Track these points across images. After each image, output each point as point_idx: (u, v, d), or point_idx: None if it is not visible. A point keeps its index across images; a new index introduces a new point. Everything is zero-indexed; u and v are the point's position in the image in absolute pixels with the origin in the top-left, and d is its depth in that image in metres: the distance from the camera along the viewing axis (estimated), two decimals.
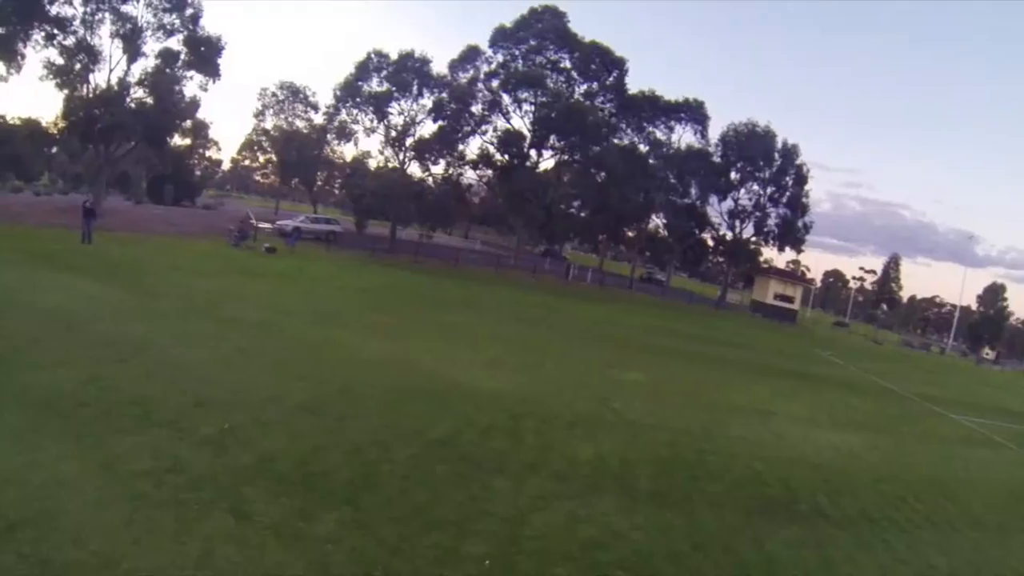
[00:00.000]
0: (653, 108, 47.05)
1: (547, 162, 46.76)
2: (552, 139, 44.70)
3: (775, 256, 57.96)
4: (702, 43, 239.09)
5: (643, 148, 48.11)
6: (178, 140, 55.54)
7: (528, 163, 44.33)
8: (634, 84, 49.52)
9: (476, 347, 14.35)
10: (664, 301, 44.54)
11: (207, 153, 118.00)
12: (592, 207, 47.17)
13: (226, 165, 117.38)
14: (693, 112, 47.96)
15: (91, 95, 37.27)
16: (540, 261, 52.29)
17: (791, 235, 51.17)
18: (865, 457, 11.05)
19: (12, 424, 6.48)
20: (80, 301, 12.97)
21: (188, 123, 43.67)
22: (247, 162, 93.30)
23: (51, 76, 36.50)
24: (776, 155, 50.54)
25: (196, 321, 12.65)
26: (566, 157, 46.21)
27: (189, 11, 39.13)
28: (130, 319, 11.94)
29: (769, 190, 51.40)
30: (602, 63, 44.88)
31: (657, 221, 52.92)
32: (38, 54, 36.74)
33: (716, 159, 50.22)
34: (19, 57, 35.73)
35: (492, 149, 44.38)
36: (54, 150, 69.01)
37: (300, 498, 5.71)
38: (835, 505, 8.13)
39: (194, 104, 41.55)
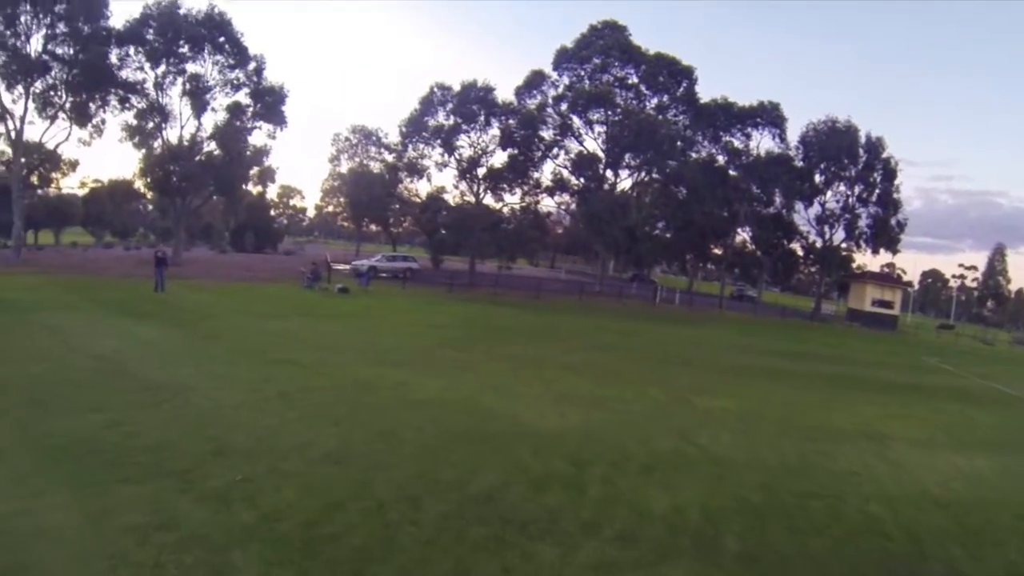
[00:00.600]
0: (727, 116, 45.87)
1: (624, 182, 46.65)
2: (627, 158, 44.44)
3: (869, 260, 54.63)
4: (768, 41, 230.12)
5: (721, 159, 47.11)
6: (254, 189, 58.38)
7: (605, 185, 44.20)
8: (705, 92, 48.39)
9: (546, 380, 13.29)
10: (756, 318, 42.04)
11: (291, 201, 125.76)
12: (675, 225, 46.35)
13: (311, 212, 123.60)
14: (769, 115, 46.18)
15: (164, 151, 40.24)
16: (627, 287, 51.53)
17: (885, 235, 48.01)
18: (999, 485, 9.05)
19: (20, 468, 6.41)
20: (134, 346, 13.22)
21: (256, 171, 45.79)
22: (330, 208, 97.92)
23: (128, 137, 39.88)
24: (861, 151, 47.50)
25: (245, 364, 12.35)
26: (643, 176, 45.77)
27: (252, 65, 41.91)
28: (178, 363, 11.89)
29: (857, 189, 48.35)
30: (670, 74, 44.57)
31: (743, 235, 50.97)
32: (115, 118, 40.38)
33: (798, 163, 47.90)
34: (100, 122, 39.45)
35: (566, 173, 44.70)
36: (149, 207, 74.54)
37: (295, 568, 4.83)
38: (975, 559, 6.38)
39: (261, 152, 44.06)
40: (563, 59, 44.79)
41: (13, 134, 37.45)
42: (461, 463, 7.56)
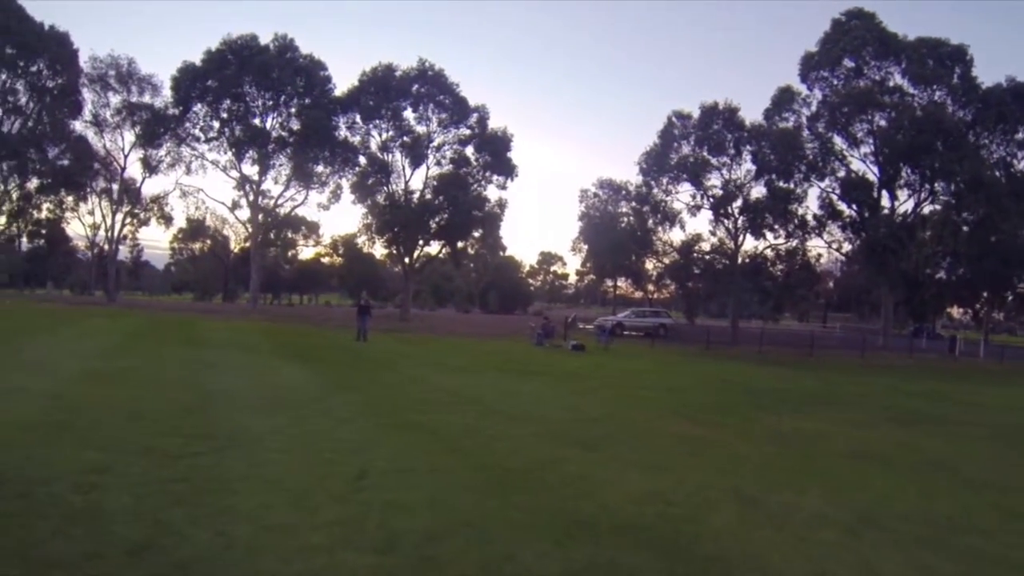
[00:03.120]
0: (1021, 103, 37.80)
1: (904, 205, 41.13)
2: (905, 173, 39.42)
3: None
4: None
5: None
6: (501, 251, 59.37)
7: (881, 212, 39.46)
8: (986, 76, 42.55)
9: (832, 480, 7.53)
10: None
11: (552, 267, 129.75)
12: (968, 254, 39.69)
13: (573, 278, 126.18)
14: None
15: (387, 204, 43.08)
16: (916, 341, 45.62)
17: None
18: None
19: None
20: (251, 386, 11.73)
21: (479, 225, 46.19)
22: (590, 275, 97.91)
23: (355, 198, 43.80)
24: None
25: (358, 423, 8.97)
26: (925, 196, 40.26)
27: (475, 116, 43.76)
28: (273, 411, 9.29)
29: None
30: (937, 61, 39.12)
31: None
32: (341, 179, 45.36)
33: None
34: (336, 188, 45.27)
35: (835, 199, 40.38)
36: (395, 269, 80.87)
37: None
38: None
39: (486, 202, 44.75)
40: (810, 66, 40.49)
41: (251, 197, 42.99)
42: None
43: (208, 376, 12.49)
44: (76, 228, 79.82)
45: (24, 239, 65.56)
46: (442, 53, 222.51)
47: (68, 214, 51.96)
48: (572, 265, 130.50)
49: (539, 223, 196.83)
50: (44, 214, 53.03)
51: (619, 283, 73.80)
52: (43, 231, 64.94)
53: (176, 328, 24.86)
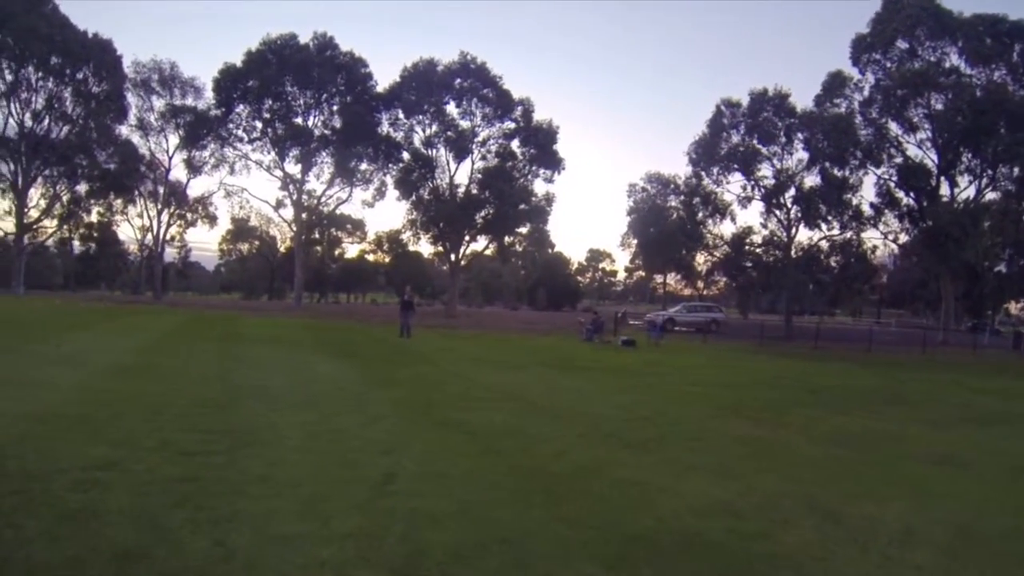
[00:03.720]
0: None
1: (964, 192, 39.12)
2: (965, 158, 37.62)
3: None
4: None
5: None
6: (549, 248, 58.81)
7: (940, 200, 37.83)
8: None
9: (913, 485, 6.66)
10: None
11: (601, 264, 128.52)
12: None
13: (622, 275, 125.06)
14: None
15: (431, 198, 43.03)
16: (978, 337, 41.72)
17: None
18: None
19: None
20: (291, 382, 11.36)
21: (526, 220, 45.68)
22: (639, 271, 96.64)
23: (399, 194, 43.80)
24: None
25: (392, 420, 8.45)
26: (987, 183, 38.43)
27: (519, 109, 43.47)
28: (312, 404, 9.07)
29: None
30: (995, 38, 37.24)
31: None
32: (385, 176, 45.55)
33: None
34: (381, 185, 45.58)
35: (892, 186, 38.79)
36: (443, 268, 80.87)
37: None
38: None
39: (532, 196, 44.36)
40: (861, 49, 38.77)
41: (295, 195, 43.28)
42: None
43: (241, 371, 12.19)
44: (126, 231, 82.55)
45: (76, 242, 67.74)
46: (480, 46, 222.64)
47: (118, 217, 53.48)
48: (621, 262, 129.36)
49: (587, 220, 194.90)
50: (94, 217, 54.54)
51: (668, 279, 72.48)
52: (95, 234, 66.93)
53: (217, 324, 24.94)
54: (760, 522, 5.20)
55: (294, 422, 7.78)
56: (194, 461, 5.79)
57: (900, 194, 38.55)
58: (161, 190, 48.07)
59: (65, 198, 46.07)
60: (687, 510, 5.37)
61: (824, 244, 38.32)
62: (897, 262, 63.09)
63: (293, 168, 44.84)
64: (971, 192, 38.80)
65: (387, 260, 75.69)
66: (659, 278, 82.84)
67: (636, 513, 5.22)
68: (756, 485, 6.29)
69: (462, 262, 46.51)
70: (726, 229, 41.19)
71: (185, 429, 7.02)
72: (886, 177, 38.32)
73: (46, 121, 42.33)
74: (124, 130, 46.61)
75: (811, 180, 37.83)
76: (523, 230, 46.52)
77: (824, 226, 37.87)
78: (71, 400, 8.34)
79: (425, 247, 50.69)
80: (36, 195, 44.10)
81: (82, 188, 46.48)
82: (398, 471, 5.86)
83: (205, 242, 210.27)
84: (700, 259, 46.72)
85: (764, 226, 39.44)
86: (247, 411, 8.39)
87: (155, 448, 6.15)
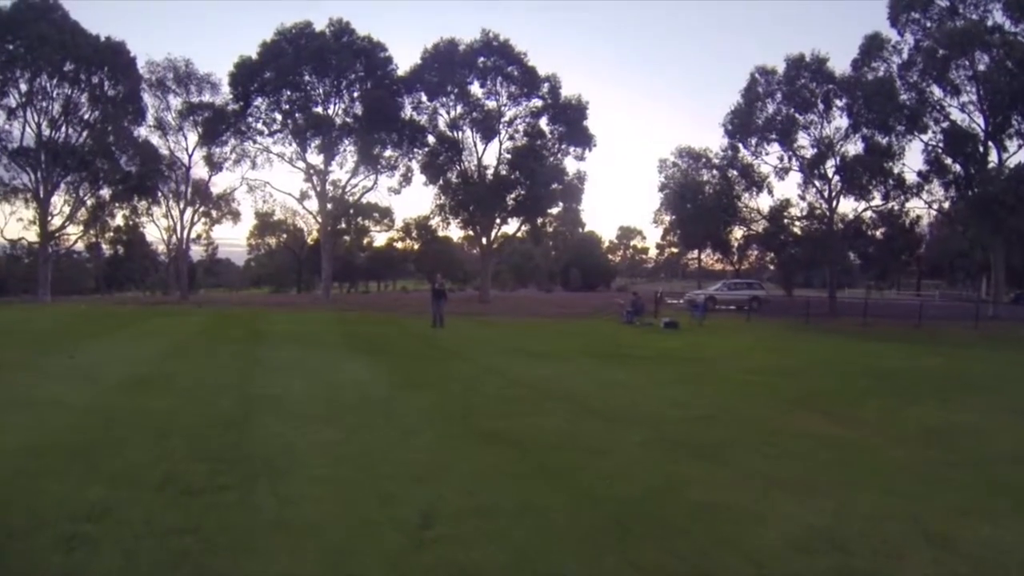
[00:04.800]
0: None
1: (1014, 157, 36.36)
2: (1015, 121, 34.95)
3: None
4: None
5: None
6: (578, 226, 57.82)
7: (988, 166, 35.39)
8: None
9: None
10: None
11: (632, 242, 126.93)
12: None
13: (653, 252, 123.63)
14: None
15: (459, 181, 42.51)
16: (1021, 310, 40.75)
17: None
18: None
19: None
20: (314, 388, 10.44)
21: (558, 199, 44.72)
22: (670, 248, 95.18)
23: (426, 178, 43.79)
24: None
25: (427, 435, 7.57)
26: None
27: (546, 86, 42.52)
28: (337, 416, 8.27)
29: None
30: None
31: None
32: (410, 161, 44.71)
33: None
34: (406, 171, 44.72)
35: (939, 153, 36.57)
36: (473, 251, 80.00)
37: None
38: None
39: (562, 173, 43.55)
40: (900, 8, 36.07)
41: (319, 186, 42.75)
42: None
43: (260, 378, 11.43)
44: (153, 231, 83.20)
45: (105, 246, 68.25)
46: (496, 21, 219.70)
47: (143, 219, 53.37)
48: (651, 239, 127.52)
49: (616, 196, 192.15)
50: (119, 221, 54.64)
51: (702, 255, 71.08)
52: (124, 236, 67.37)
53: (241, 323, 24.38)
54: (870, 557, 4.30)
55: (315, 442, 6.96)
56: (198, 502, 5.00)
57: (947, 161, 36.60)
58: (183, 189, 47.78)
59: (89, 202, 46.09)
60: (784, 543, 4.45)
61: (868, 215, 37.05)
62: (934, 232, 60.90)
63: (316, 159, 44.20)
64: (1021, 157, 36.56)
65: (415, 247, 75.14)
66: (691, 254, 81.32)
67: (726, 552, 4.30)
68: (851, 503, 5.34)
69: (494, 245, 45.69)
70: (763, 202, 40.00)
71: (193, 457, 6.26)
72: (933, 143, 36.45)
73: (64, 128, 42.16)
74: (143, 131, 46.43)
75: (852, 148, 36.64)
76: (555, 210, 45.54)
77: (867, 196, 36.70)
78: (74, 425, 7.67)
79: (454, 232, 50.00)
80: (59, 202, 44.10)
81: (106, 192, 46.48)
82: (438, 507, 4.98)
83: (235, 238, 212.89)
84: (737, 234, 45.56)
85: (802, 198, 38.18)
86: (263, 429, 7.58)
87: (156, 485, 5.37)
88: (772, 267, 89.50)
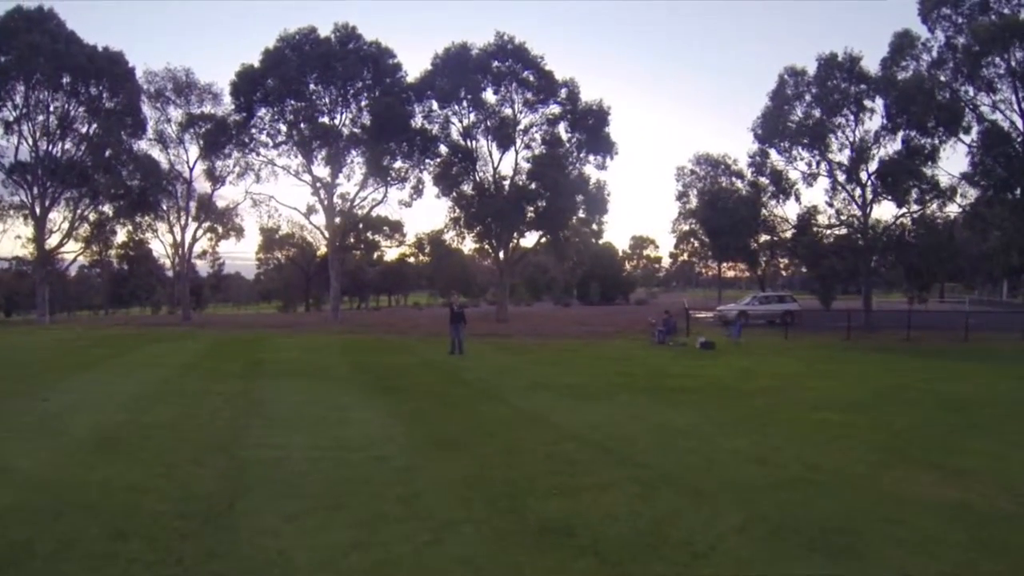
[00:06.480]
0: None
1: None
2: None
3: None
4: None
5: None
6: (594, 237, 56.18)
7: None
8: None
9: None
10: None
11: (645, 251, 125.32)
12: None
13: (666, 261, 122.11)
14: None
15: (474, 193, 40.92)
16: None
17: None
18: None
19: None
20: (317, 450, 8.62)
21: (582, 209, 43.02)
22: (684, 255, 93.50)
23: (439, 190, 42.12)
24: None
25: (468, 527, 5.94)
26: None
27: (564, 91, 40.87)
28: (345, 499, 6.44)
29: None
30: None
31: None
32: (421, 172, 43.15)
33: None
34: (418, 183, 43.24)
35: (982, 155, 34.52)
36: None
37: None
38: None
39: (586, 183, 41.92)
40: (930, 3, 34.30)
41: (325, 201, 41.37)
42: None
43: (255, 431, 9.77)
44: (158, 247, 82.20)
45: (114, 261, 67.26)
46: (508, 24, 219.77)
47: (147, 234, 52.05)
48: (664, 248, 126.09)
49: (628, 205, 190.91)
50: (123, 236, 53.48)
51: (721, 266, 69.62)
52: (130, 252, 66.34)
53: (240, 351, 22.75)
54: None
55: (315, 546, 5.29)
56: None
57: (989, 162, 34.33)
58: (184, 204, 46.37)
59: (91, 217, 44.93)
60: None
61: (906, 221, 35.05)
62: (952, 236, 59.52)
63: (322, 171, 42.66)
64: None
65: (427, 261, 73.64)
66: (707, 263, 79.43)
67: None
68: None
69: (511, 259, 43.99)
70: (789, 210, 38.36)
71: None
72: (975, 144, 34.57)
73: (61, 143, 41.11)
74: (143, 144, 45.13)
75: (890, 152, 34.91)
76: (575, 221, 43.82)
77: (906, 202, 34.85)
78: (11, 508, 6.11)
79: (468, 245, 48.24)
80: (59, 218, 42.96)
81: (108, 208, 45.28)
82: None
83: (244, 252, 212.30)
84: (763, 243, 43.98)
85: (830, 204, 36.47)
86: (250, 524, 5.83)
87: None
88: (784, 275, 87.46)
